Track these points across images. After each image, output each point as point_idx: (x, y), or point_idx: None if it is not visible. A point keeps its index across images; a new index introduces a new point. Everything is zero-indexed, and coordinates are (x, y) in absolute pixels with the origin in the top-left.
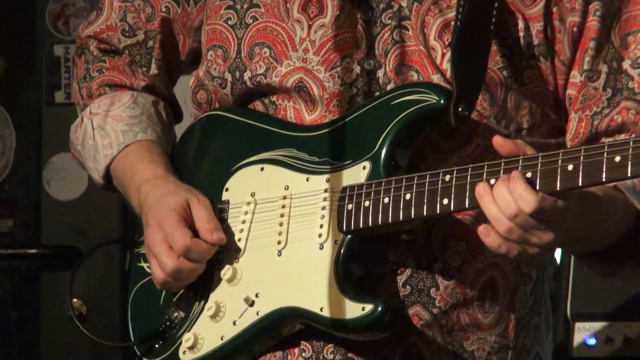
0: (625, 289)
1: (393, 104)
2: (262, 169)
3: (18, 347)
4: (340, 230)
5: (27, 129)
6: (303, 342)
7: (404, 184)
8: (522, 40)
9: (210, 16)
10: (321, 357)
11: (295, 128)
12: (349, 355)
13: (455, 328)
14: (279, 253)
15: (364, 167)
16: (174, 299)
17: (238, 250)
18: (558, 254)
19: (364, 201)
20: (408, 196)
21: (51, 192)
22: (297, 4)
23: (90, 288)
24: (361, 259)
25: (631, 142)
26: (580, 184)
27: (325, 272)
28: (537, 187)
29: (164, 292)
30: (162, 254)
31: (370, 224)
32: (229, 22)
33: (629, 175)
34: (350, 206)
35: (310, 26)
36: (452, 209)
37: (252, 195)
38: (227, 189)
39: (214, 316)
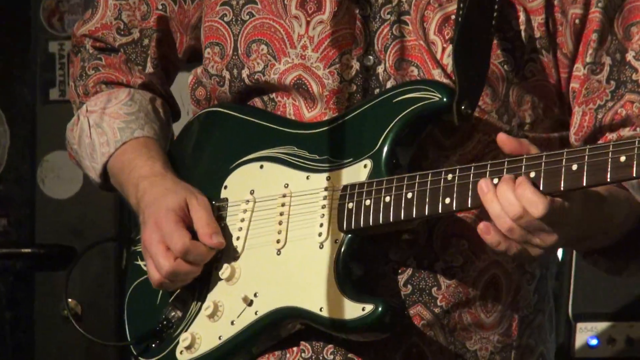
0: (628, 289)
1: (395, 101)
2: (261, 166)
3: (12, 347)
4: (341, 230)
5: (21, 126)
6: (303, 343)
7: (405, 182)
8: (523, 34)
9: (207, 13)
10: (321, 358)
11: (296, 125)
12: (349, 355)
13: (457, 328)
14: (278, 252)
15: (365, 166)
16: (171, 298)
17: (237, 249)
18: (559, 252)
19: (365, 200)
20: (410, 195)
21: (46, 191)
22: (294, 0)
23: (85, 287)
24: (361, 259)
25: (637, 142)
26: (584, 184)
27: (325, 271)
28: (541, 187)
29: (161, 291)
30: (159, 255)
31: (371, 223)
32: (225, 19)
33: (634, 175)
34: (350, 205)
35: (308, 22)
36: (454, 208)
37: (252, 193)
38: (225, 187)
39: (211, 316)
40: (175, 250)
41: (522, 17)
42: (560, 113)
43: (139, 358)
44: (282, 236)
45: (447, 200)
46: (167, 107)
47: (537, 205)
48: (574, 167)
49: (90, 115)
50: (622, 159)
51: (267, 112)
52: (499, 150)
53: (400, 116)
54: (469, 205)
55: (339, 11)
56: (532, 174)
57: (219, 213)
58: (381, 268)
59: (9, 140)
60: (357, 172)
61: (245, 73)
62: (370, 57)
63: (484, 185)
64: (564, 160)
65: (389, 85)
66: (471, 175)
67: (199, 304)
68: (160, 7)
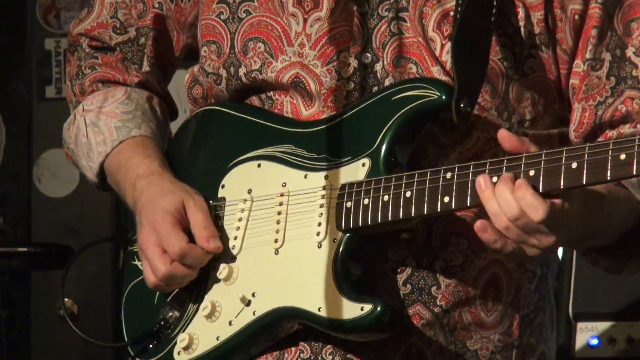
0: (628, 288)
1: (393, 99)
2: (259, 165)
3: (7, 347)
4: (339, 229)
5: (18, 124)
6: (301, 343)
7: (404, 181)
8: (522, 30)
9: (203, 11)
10: (319, 358)
11: (294, 124)
12: (348, 356)
13: (457, 327)
14: (276, 251)
15: (364, 164)
16: (169, 299)
17: (234, 248)
18: (560, 251)
19: (363, 199)
20: (408, 194)
21: (42, 189)
22: None
23: (82, 287)
24: (360, 258)
25: (637, 140)
26: (584, 182)
27: (323, 271)
28: (540, 185)
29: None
30: (155, 258)
31: (369, 222)
32: (221, 17)
33: (634, 173)
34: (349, 204)
35: (305, 20)
36: (453, 207)
37: (249, 192)
38: (223, 186)
39: (209, 316)
40: (172, 254)
41: (521, 13)
42: (560, 109)
43: (136, 358)
44: (280, 235)
45: (446, 199)
46: (164, 105)
47: (537, 209)
48: (574, 165)
49: (86, 114)
50: (622, 156)
51: (264, 111)
52: (498, 147)
53: (398, 114)
54: (468, 204)
55: (336, 8)
56: (532, 172)
57: (216, 212)
58: (380, 267)
59: (5, 138)
60: (356, 170)
61: (242, 71)
62: (368, 55)
63: (482, 181)
64: (563, 158)
65: (387, 82)
66: (470, 173)
67: (197, 304)
68: (156, 5)
